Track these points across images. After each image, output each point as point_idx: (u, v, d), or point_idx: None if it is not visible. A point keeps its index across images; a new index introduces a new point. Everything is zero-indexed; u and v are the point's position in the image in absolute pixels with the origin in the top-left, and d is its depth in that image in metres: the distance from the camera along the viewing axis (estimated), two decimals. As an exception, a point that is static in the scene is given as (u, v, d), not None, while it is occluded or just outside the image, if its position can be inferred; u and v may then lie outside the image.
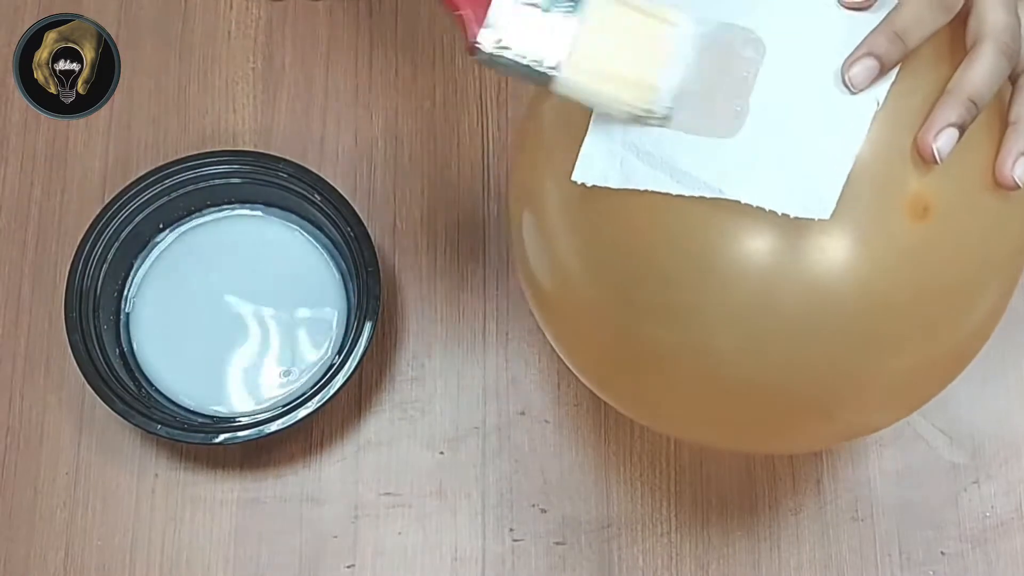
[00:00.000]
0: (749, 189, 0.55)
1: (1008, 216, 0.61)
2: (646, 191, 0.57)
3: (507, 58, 0.58)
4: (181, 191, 0.85)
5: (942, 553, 0.82)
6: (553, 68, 0.58)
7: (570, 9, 0.58)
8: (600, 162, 0.59)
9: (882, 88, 0.56)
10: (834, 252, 0.56)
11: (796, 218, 0.54)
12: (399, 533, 0.82)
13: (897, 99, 0.56)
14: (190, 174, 0.85)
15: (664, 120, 0.58)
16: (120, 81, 0.91)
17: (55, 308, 0.86)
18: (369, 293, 0.81)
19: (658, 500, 0.83)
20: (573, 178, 0.59)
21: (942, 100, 0.57)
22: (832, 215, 0.54)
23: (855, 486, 0.82)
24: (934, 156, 0.56)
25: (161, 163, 0.88)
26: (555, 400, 0.85)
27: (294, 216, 0.87)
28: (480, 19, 0.59)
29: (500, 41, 0.58)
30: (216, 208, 0.87)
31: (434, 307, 0.87)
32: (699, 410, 0.64)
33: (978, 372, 0.80)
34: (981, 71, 0.58)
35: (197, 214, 0.87)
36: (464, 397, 0.85)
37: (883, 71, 0.56)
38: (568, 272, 0.64)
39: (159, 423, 0.79)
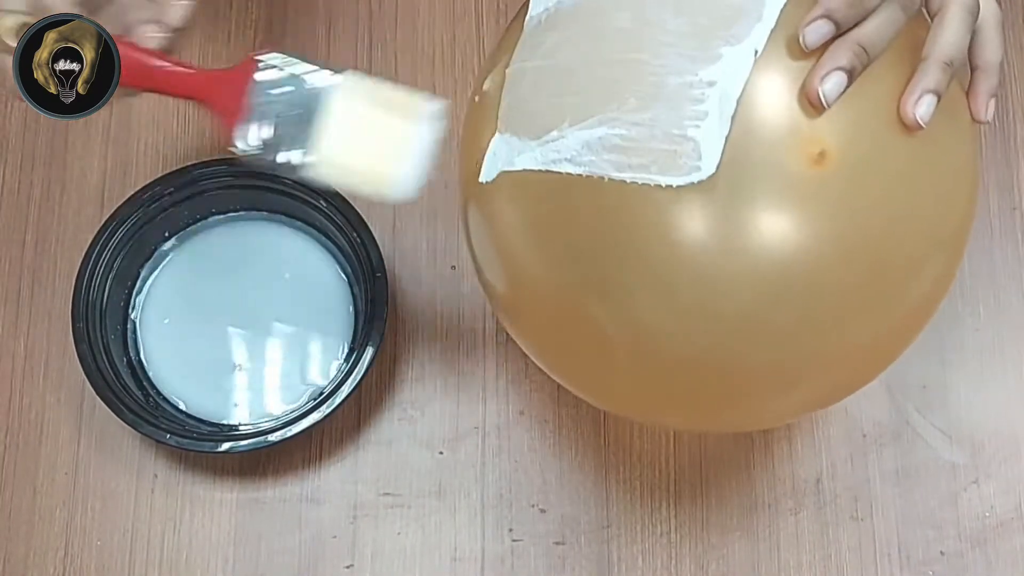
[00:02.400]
0: (632, 172, 0.55)
1: (931, 164, 0.59)
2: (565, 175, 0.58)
3: (262, 155, 0.65)
4: (186, 199, 0.85)
5: (941, 553, 0.81)
6: (303, 163, 0.65)
7: (307, 111, 0.65)
8: (502, 156, 0.61)
9: (760, 35, 0.55)
10: (744, 217, 0.55)
11: (681, 186, 0.55)
12: (398, 533, 0.82)
13: (782, 45, 0.56)
14: (194, 183, 0.84)
15: (406, 200, 0.66)
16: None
17: (55, 308, 0.86)
18: (377, 298, 0.81)
19: (657, 500, 0.82)
20: (480, 180, 0.62)
21: (920, 68, 0.58)
22: (719, 172, 0.54)
23: (854, 486, 0.82)
24: (820, 100, 0.55)
25: (160, 165, 0.88)
26: (554, 400, 0.84)
27: (299, 222, 0.87)
28: (235, 121, 0.65)
29: (255, 141, 0.65)
30: (222, 215, 0.87)
31: (433, 307, 0.87)
32: (652, 390, 0.64)
33: (977, 371, 0.85)
34: (951, 34, 0.58)
35: (203, 221, 0.86)
36: (463, 397, 0.85)
37: (838, 31, 0.56)
38: (513, 259, 0.64)
39: (168, 432, 0.79)
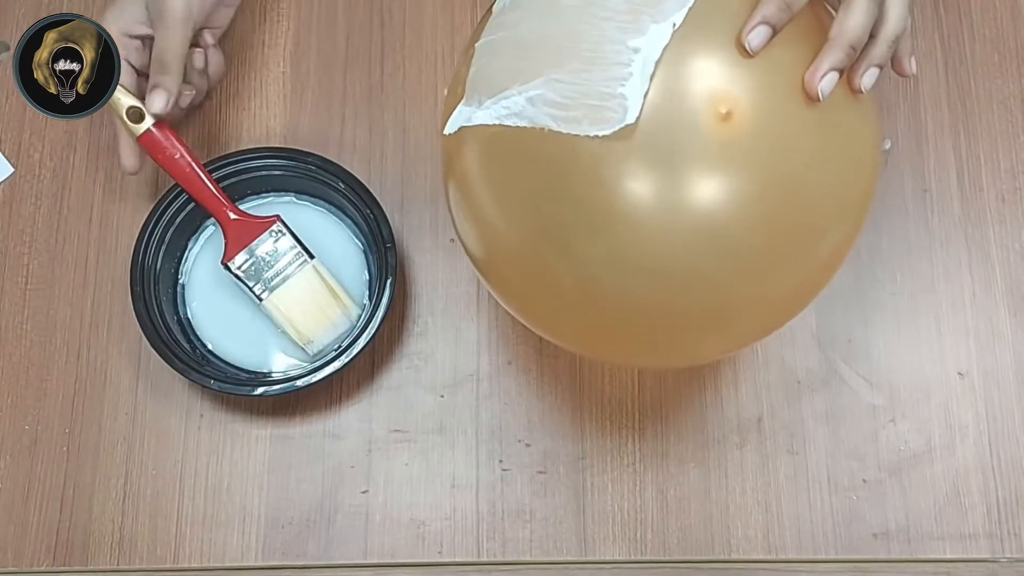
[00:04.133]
0: (567, 124, 0.58)
1: (832, 139, 0.61)
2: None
3: (240, 278, 0.83)
4: (227, 182, 0.86)
5: (864, 481, 0.83)
6: (259, 297, 0.83)
7: (282, 269, 0.83)
8: (464, 116, 0.63)
9: (680, 13, 0.58)
10: (666, 171, 0.57)
11: (606, 135, 0.57)
12: (406, 464, 0.84)
13: (700, 20, 0.58)
14: (234, 167, 0.86)
15: (309, 357, 0.84)
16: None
17: (116, 274, 0.89)
18: (387, 266, 0.82)
19: (624, 436, 0.84)
20: (444, 132, 0.64)
21: (827, 46, 0.59)
22: (643, 128, 0.56)
23: (790, 424, 0.84)
24: (818, 95, 0.58)
25: (205, 153, 0.90)
26: (538, 352, 0.86)
27: (322, 201, 0.89)
28: (236, 250, 0.84)
29: (240, 268, 0.84)
30: (256, 196, 0.89)
31: (436, 273, 0.88)
32: (603, 333, 0.65)
33: (894, 328, 0.86)
34: (856, 18, 0.60)
35: (240, 201, 0.88)
36: (461, 349, 0.86)
37: (774, 34, 0.58)
38: (487, 225, 0.65)
39: (212, 379, 0.81)
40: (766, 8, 0.58)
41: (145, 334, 0.83)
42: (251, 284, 0.84)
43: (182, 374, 0.82)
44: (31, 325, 0.88)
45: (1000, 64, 0.92)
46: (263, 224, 0.84)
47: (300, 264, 0.84)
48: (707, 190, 0.58)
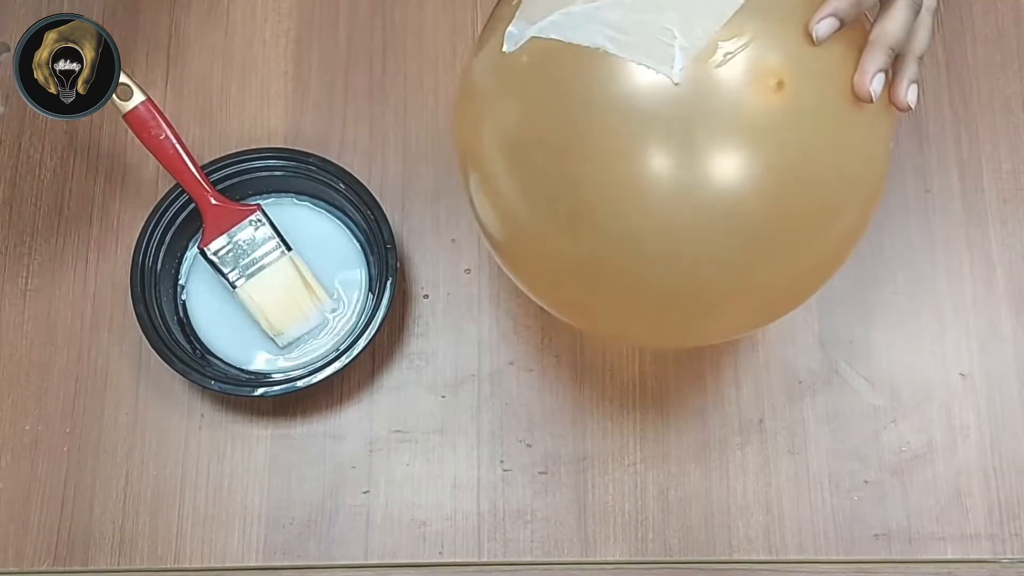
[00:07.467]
0: (629, 49, 0.58)
1: (857, 128, 0.62)
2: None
3: (215, 264, 0.83)
4: (228, 182, 0.86)
5: (865, 481, 0.83)
6: (234, 285, 0.83)
7: (257, 259, 0.83)
8: (518, 31, 0.63)
9: None
10: (706, 146, 0.58)
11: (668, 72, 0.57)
12: (407, 464, 0.84)
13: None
14: (234, 167, 0.86)
15: (279, 350, 0.84)
16: (170, 84, 0.92)
17: (116, 275, 0.88)
18: (388, 266, 0.82)
19: (625, 437, 0.84)
20: (503, 50, 0.63)
21: (869, 49, 0.62)
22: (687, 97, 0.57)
23: (792, 424, 0.84)
24: (871, 97, 0.61)
25: (206, 153, 0.90)
26: (539, 352, 0.86)
27: (322, 201, 0.89)
28: (214, 235, 0.83)
29: (216, 253, 0.83)
30: (257, 196, 0.88)
31: (437, 273, 0.88)
32: (630, 313, 0.66)
33: (896, 329, 0.86)
34: (897, 23, 0.63)
35: (241, 201, 0.87)
36: (462, 350, 0.86)
37: (840, 28, 0.60)
38: (510, 209, 0.65)
39: (212, 379, 0.81)
40: (839, 1, 0.60)
41: (145, 334, 0.82)
42: (226, 270, 0.84)
43: (182, 374, 0.81)
44: (31, 325, 0.88)
45: (1002, 65, 0.92)
46: (243, 212, 0.84)
47: (277, 255, 0.84)
48: (736, 161, 0.58)
